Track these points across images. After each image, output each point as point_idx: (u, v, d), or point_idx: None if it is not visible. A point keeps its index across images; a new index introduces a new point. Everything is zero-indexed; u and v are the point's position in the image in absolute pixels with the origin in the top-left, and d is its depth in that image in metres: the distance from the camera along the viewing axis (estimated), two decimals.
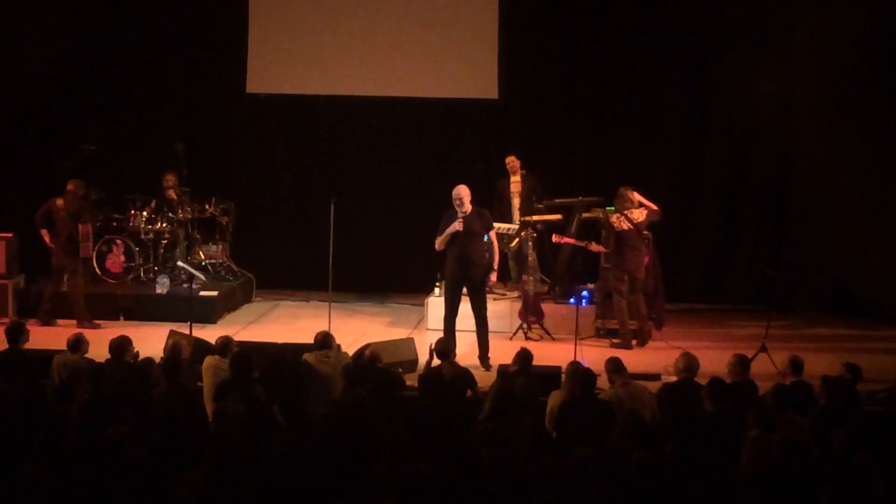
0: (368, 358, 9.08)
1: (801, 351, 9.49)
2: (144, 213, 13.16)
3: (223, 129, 14.39)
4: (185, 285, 12.29)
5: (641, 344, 11.52)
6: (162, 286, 12.69)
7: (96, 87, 14.21)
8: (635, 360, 10.33)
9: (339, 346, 9.31)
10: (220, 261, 13.57)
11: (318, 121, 14.46)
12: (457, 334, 10.48)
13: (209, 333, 10.60)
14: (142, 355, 9.05)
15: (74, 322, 11.81)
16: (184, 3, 14.21)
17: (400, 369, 9.83)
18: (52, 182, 12.34)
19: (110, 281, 13.05)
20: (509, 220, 12.64)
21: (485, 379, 9.37)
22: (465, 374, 8.85)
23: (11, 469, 5.94)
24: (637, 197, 11.57)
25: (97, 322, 11.91)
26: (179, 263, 13.00)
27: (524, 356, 8.76)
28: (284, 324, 12.47)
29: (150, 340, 10.23)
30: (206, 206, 13.50)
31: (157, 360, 8.90)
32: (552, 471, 6.25)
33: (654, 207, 11.58)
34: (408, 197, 14.17)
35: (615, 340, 11.53)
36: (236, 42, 14.17)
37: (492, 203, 12.46)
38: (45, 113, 14.01)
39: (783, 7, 13.36)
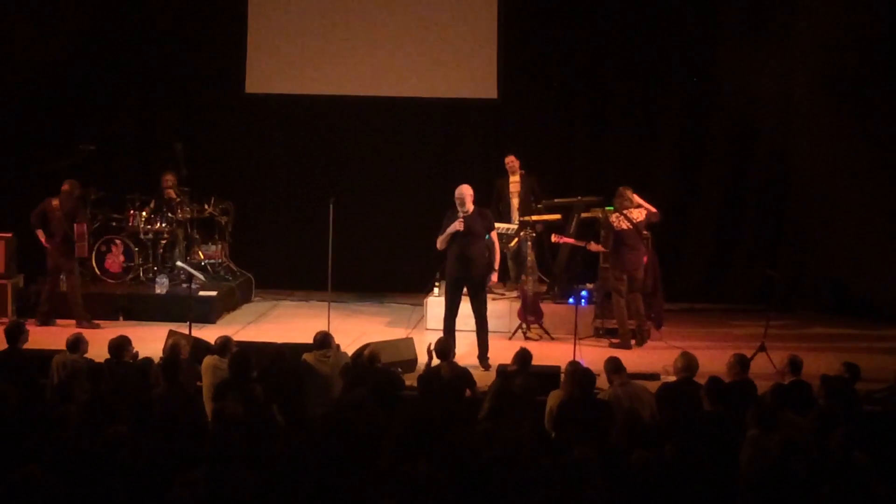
0: (367, 358, 9.07)
1: (800, 350, 9.51)
2: (143, 213, 13.16)
3: (222, 129, 14.39)
4: (184, 285, 12.30)
5: (640, 343, 11.53)
6: (161, 286, 12.69)
7: (96, 87, 14.21)
8: (634, 359, 10.35)
9: (338, 346, 9.31)
10: (220, 261, 13.58)
11: (317, 121, 14.46)
12: (456, 334, 10.49)
13: (208, 333, 10.60)
14: (141, 355, 9.06)
15: (74, 322, 11.81)
16: (183, 3, 14.21)
17: (399, 369, 9.83)
18: (51, 182, 12.34)
19: (109, 281, 13.05)
20: (508, 220, 12.64)
21: (484, 379, 9.38)
22: (464, 374, 8.86)
23: (11, 469, 5.94)
24: (637, 199, 11.58)
25: (96, 322, 11.91)
26: (178, 263, 13.00)
27: (523, 356, 8.76)
28: (283, 324, 12.47)
29: (150, 340, 10.23)
30: (206, 206, 13.50)
31: (157, 360, 8.90)
32: (551, 471, 6.25)
33: (653, 209, 11.59)
34: (407, 197, 14.18)
35: (614, 340, 11.54)
36: (235, 42, 14.18)
37: (490, 203, 12.45)
38: (44, 113, 14.00)
39: (783, 7, 13.37)
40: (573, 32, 14.01)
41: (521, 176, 12.88)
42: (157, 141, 14.09)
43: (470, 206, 10.40)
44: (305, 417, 8.33)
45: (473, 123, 14.33)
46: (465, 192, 10.41)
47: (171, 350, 8.97)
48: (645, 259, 11.60)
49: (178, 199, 13.26)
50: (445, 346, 9.02)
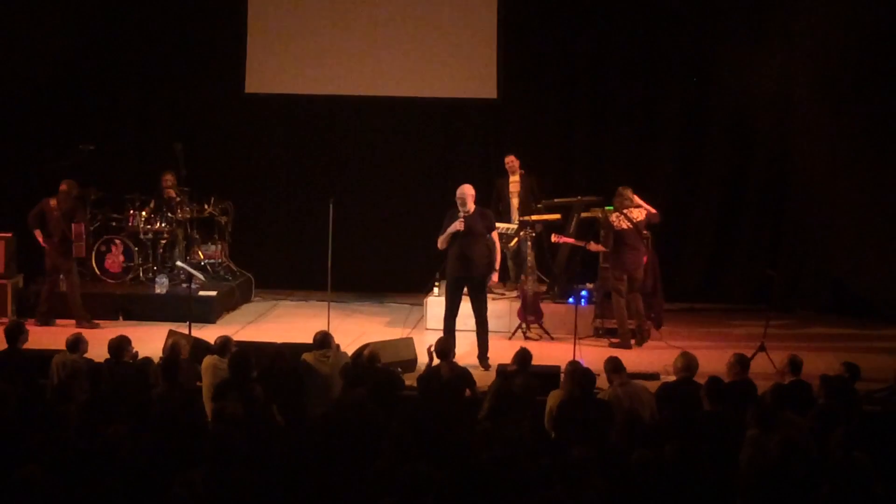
0: (367, 358, 9.07)
1: (799, 350, 9.51)
2: (143, 213, 13.16)
3: (222, 128, 14.39)
4: (183, 285, 12.30)
5: (640, 343, 11.53)
6: (161, 286, 12.69)
7: (95, 87, 14.22)
8: (634, 359, 10.35)
9: (338, 346, 9.31)
10: (219, 260, 13.57)
11: (316, 120, 14.46)
12: (457, 334, 10.49)
13: (208, 333, 10.60)
14: (141, 355, 9.06)
15: (73, 322, 11.81)
16: (183, 3, 14.21)
17: (399, 369, 9.83)
18: (51, 182, 12.33)
19: (109, 281, 13.04)
20: (508, 220, 12.64)
21: (484, 378, 9.38)
22: (463, 374, 8.86)
23: (10, 469, 5.94)
24: (637, 200, 11.58)
25: (96, 322, 11.91)
26: (178, 263, 12.99)
27: (523, 356, 8.76)
28: (283, 323, 12.47)
29: (149, 340, 10.23)
30: (205, 206, 13.50)
31: (156, 360, 8.89)
32: (551, 470, 6.25)
33: (653, 210, 11.59)
34: (407, 197, 14.18)
35: (614, 340, 11.53)
36: (235, 42, 14.17)
37: (490, 202, 12.45)
38: (44, 113, 14.00)
39: (782, 6, 13.36)
40: (573, 32, 14.01)
41: (521, 176, 12.87)
42: (156, 141, 14.09)
43: (471, 206, 10.40)
44: (305, 417, 8.34)
45: (473, 123, 14.32)
46: (467, 191, 10.41)
47: (171, 350, 8.98)
48: (645, 259, 11.60)
49: (178, 199, 13.26)
50: (445, 346, 9.02)
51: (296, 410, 8.38)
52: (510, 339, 11.60)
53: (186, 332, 10.25)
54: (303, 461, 6.48)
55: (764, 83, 13.44)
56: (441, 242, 10.50)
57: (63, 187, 12.04)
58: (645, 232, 11.60)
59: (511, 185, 12.89)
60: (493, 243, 10.73)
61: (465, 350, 10.54)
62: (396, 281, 13.98)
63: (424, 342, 10.71)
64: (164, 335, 10.18)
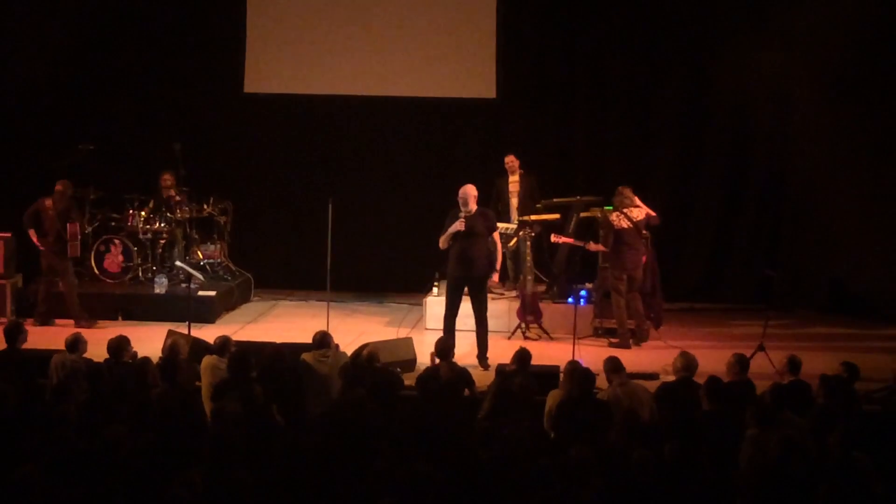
0: (366, 357, 9.07)
1: (798, 350, 9.52)
2: (142, 213, 13.15)
3: (221, 128, 14.38)
4: (183, 285, 12.30)
5: (639, 343, 11.53)
6: (160, 286, 12.69)
7: (94, 86, 14.21)
8: (633, 359, 10.35)
9: (337, 346, 9.31)
10: (219, 260, 13.57)
11: (315, 120, 14.46)
12: (456, 334, 10.48)
13: (207, 333, 10.60)
14: (140, 355, 9.04)
15: (72, 322, 11.81)
16: (182, 3, 14.20)
17: (398, 369, 9.83)
18: (50, 182, 12.32)
19: (108, 281, 13.04)
20: (507, 220, 12.64)
21: (483, 378, 9.38)
22: (462, 374, 8.86)
23: (10, 469, 5.94)
24: (637, 201, 11.58)
25: (95, 321, 11.90)
26: (177, 263, 12.99)
27: (522, 355, 8.76)
28: (282, 323, 12.46)
29: (149, 340, 10.23)
30: (204, 206, 13.50)
31: (156, 360, 8.89)
32: (550, 470, 6.25)
33: (653, 213, 11.60)
34: (406, 196, 14.18)
35: (613, 340, 11.53)
36: (234, 42, 14.18)
37: (490, 202, 12.45)
38: (43, 113, 14.00)
39: (782, 6, 13.36)
40: (572, 32, 14.01)
41: (521, 175, 12.87)
42: (155, 141, 14.06)
43: (473, 206, 10.42)
44: (304, 417, 8.33)
45: (473, 123, 14.32)
46: (469, 192, 10.43)
47: (170, 350, 8.98)
48: (644, 259, 11.60)
49: (178, 199, 13.25)
50: (445, 346, 9.02)
51: (295, 410, 8.38)
52: (509, 338, 11.60)
53: (186, 331, 10.25)
54: (302, 461, 6.48)
55: (764, 83, 13.45)
56: (442, 242, 10.51)
57: (58, 187, 12.04)
58: (644, 232, 11.60)
59: (510, 185, 12.89)
60: (495, 244, 10.73)
61: (465, 350, 10.54)
62: (396, 281, 13.98)
63: (424, 342, 10.74)
64: (163, 335, 10.17)
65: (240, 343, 9.52)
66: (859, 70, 13.04)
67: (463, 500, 6.26)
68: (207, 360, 8.84)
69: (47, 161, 13.05)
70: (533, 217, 12.46)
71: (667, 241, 12.97)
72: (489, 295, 11.41)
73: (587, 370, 8.25)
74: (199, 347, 9.58)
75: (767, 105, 13.68)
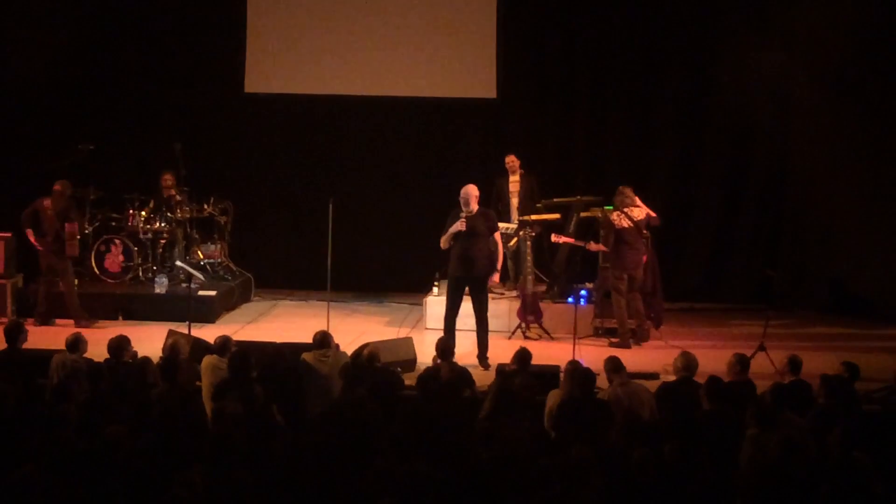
0: (367, 357, 9.07)
1: (799, 350, 9.51)
2: (143, 213, 13.15)
3: (221, 128, 14.39)
4: (183, 285, 12.30)
5: (640, 343, 11.52)
6: (160, 286, 12.69)
7: (95, 86, 14.21)
8: (634, 359, 10.34)
9: (337, 346, 9.31)
10: (219, 260, 13.56)
11: (316, 120, 14.46)
12: (456, 333, 10.48)
13: (208, 333, 10.60)
14: (140, 355, 9.05)
15: (72, 322, 11.81)
16: (183, 3, 14.20)
17: (398, 369, 9.83)
18: (50, 182, 12.33)
19: (109, 280, 13.04)
20: (507, 220, 12.64)
21: (483, 378, 9.38)
22: (463, 374, 8.86)
23: (9, 469, 5.94)
24: (637, 202, 11.58)
25: (95, 320, 11.90)
26: (178, 263, 13.00)
27: (523, 355, 8.76)
28: (283, 323, 12.46)
29: (149, 340, 10.23)
30: (205, 206, 13.49)
31: (156, 360, 8.89)
32: (550, 470, 6.25)
33: (653, 214, 11.60)
34: (406, 196, 14.18)
35: (614, 340, 11.53)
36: (234, 41, 14.17)
37: (490, 202, 12.46)
38: (43, 113, 14.00)
39: (782, 6, 13.36)
40: (572, 32, 14.01)
41: (521, 175, 12.88)
42: (156, 141, 14.07)
43: (474, 207, 10.43)
44: (305, 417, 8.33)
45: (473, 123, 14.32)
46: (471, 192, 10.44)
47: (171, 350, 8.98)
48: (644, 258, 11.60)
49: (178, 199, 13.25)
50: (446, 346, 9.02)
51: (295, 410, 8.38)
52: (510, 338, 11.60)
53: (186, 331, 10.24)
54: (302, 461, 6.47)
55: (764, 83, 13.45)
56: (443, 242, 10.52)
57: (57, 187, 12.05)
58: (644, 232, 11.60)
59: (511, 185, 12.89)
60: (496, 244, 10.73)
61: (465, 350, 10.54)
62: (396, 281, 13.98)
63: (424, 342, 10.74)
64: (163, 335, 10.18)
65: (240, 343, 9.51)
66: (859, 70, 13.05)
67: (463, 500, 6.26)
68: (208, 360, 8.84)
69: (47, 161, 13.05)
70: (533, 217, 12.46)
71: (667, 241, 12.97)
72: (490, 295, 11.42)
73: (588, 370, 8.25)
74: (200, 347, 9.58)
75: (767, 105, 13.68)
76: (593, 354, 10.57)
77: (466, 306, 10.61)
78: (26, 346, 9.25)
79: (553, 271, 12.61)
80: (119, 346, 8.77)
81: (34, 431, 6.83)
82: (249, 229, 14.17)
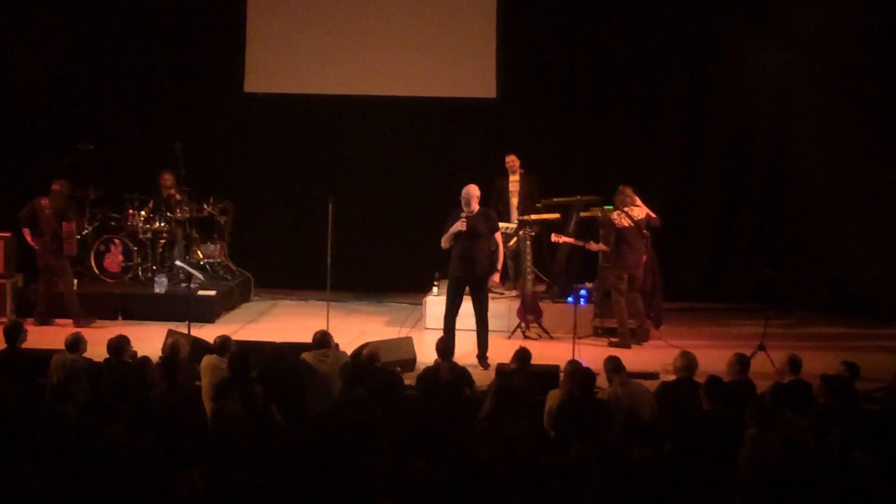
0: (367, 357, 9.07)
1: (799, 350, 9.50)
2: (142, 213, 13.15)
3: (221, 128, 14.39)
4: (183, 285, 12.31)
5: (640, 343, 11.52)
6: (160, 285, 12.69)
7: (94, 86, 14.22)
8: (634, 358, 10.35)
9: (337, 346, 9.30)
10: (219, 260, 13.57)
11: (316, 120, 14.46)
12: (456, 333, 10.48)
13: (207, 333, 10.60)
14: (140, 355, 9.05)
15: (72, 321, 11.81)
16: (182, 3, 14.20)
17: (398, 368, 9.83)
18: (50, 182, 12.33)
19: (108, 280, 13.04)
20: (507, 219, 12.64)
21: (483, 378, 9.38)
22: (462, 374, 8.86)
23: (9, 468, 5.93)
24: (638, 202, 11.58)
25: (94, 319, 11.90)
26: (178, 263, 12.99)
27: (522, 355, 8.76)
28: (283, 323, 12.47)
29: (149, 340, 10.22)
30: (204, 206, 13.49)
31: (155, 359, 8.89)
32: (550, 470, 6.24)
33: (653, 214, 11.60)
34: (406, 196, 14.18)
35: (613, 339, 11.53)
36: (234, 41, 14.17)
37: (490, 202, 12.46)
38: (43, 112, 14.00)
39: (782, 5, 13.36)
40: (573, 32, 14.01)
41: (521, 175, 12.88)
42: (155, 140, 14.08)
43: (475, 207, 10.43)
44: (305, 417, 8.33)
45: (473, 123, 14.32)
46: (472, 192, 10.45)
47: (171, 349, 8.98)
48: (644, 258, 11.60)
49: (178, 199, 13.25)
50: (446, 346, 9.02)
51: (295, 410, 8.38)
52: (509, 338, 11.60)
53: (186, 331, 10.25)
54: (302, 461, 6.47)
55: (764, 83, 13.44)
56: (444, 242, 10.52)
57: (55, 187, 12.06)
58: (644, 232, 11.60)
59: (511, 185, 12.90)
60: (497, 244, 10.73)
61: (465, 349, 10.54)
62: (396, 280, 13.97)
63: (424, 342, 10.75)
64: (163, 335, 10.17)
65: (240, 343, 9.51)
66: (859, 70, 13.05)
67: (463, 500, 6.26)
68: (207, 360, 8.83)
69: (47, 161, 13.05)
70: (533, 217, 12.46)
71: (667, 241, 12.96)
72: (489, 294, 11.42)
73: (587, 370, 8.25)
74: (200, 347, 9.58)
75: (767, 105, 13.69)
76: (593, 354, 10.57)
77: (466, 306, 10.62)
78: (26, 345, 9.26)
79: (553, 271, 12.61)
80: (119, 345, 8.77)
81: (34, 431, 6.82)
82: (249, 229, 14.16)
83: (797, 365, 8.54)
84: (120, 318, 12.31)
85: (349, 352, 9.70)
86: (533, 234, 12.22)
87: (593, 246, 11.71)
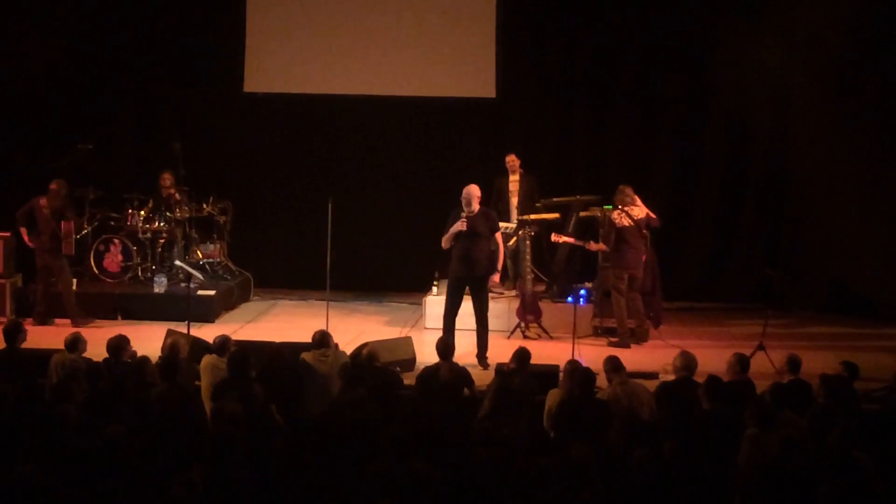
0: (366, 357, 9.07)
1: (798, 349, 9.51)
2: (142, 213, 13.14)
3: (221, 128, 14.39)
4: (182, 284, 12.30)
5: (639, 342, 11.52)
6: (159, 285, 12.69)
7: (94, 86, 14.21)
8: (633, 358, 10.34)
9: (336, 345, 9.30)
10: (218, 260, 13.56)
11: (315, 120, 14.46)
12: (456, 333, 10.48)
13: (207, 332, 10.60)
14: (139, 355, 9.04)
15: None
16: (182, 3, 14.20)
17: (398, 368, 9.83)
18: (49, 181, 12.33)
19: (108, 280, 13.03)
20: (507, 219, 12.64)
21: (483, 378, 9.38)
22: (462, 374, 8.86)
23: (9, 468, 5.94)
24: (638, 202, 11.58)
25: (91, 318, 11.90)
26: (177, 262, 12.99)
27: (522, 355, 8.76)
28: (282, 323, 12.46)
29: (148, 340, 10.22)
30: (204, 206, 13.49)
31: (155, 359, 8.88)
32: (550, 470, 6.25)
33: (653, 215, 11.60)
34: (405, 196, 14.18)
35: (613, 339, 11.53)
36: (233, 41, 14.17)
37: (490, 201, 12.46)
38: (42, 112, 14.00)
39: (781, 4, 13.36)
40: (572, 31, 14.01)
41: (521, 175, 12.88)
42: (155, 140, 14.08)
43: (475, 207, 10.43)
44: (304, 417, 8.33)
45: (473, 123, 14.32)
46: (473, 192, 10.45)
47: (170, 349, 8.97)
48: (644, 258, 11.60)
49: (177, 199, 13.25)
50: (445, 346, 9.02)
51: (295, 410, 8.38)
52: (509, 338, 11.60)
53: (185, 331, 10.24)
54: (302, 460, 6.48)
55: (764, 82, 13.44)
56: (444, 242, 10.53)
57: (53, 186, 12.05)
58: (644, 231, 11.60)
59: (511, 185, 12.90)
60: (497, 244, 10.73)
61: (465, 349, 10.54)
62: (395, 280, 13.98)
63: (423, 341, 10.75)
64: (162, 334, 10.17)
65: (239, 342, 9.51)
66: (859, 70, 13.04)
67: (463, 499, 6.27)
68: (207, 360, 8.83)
69: (47, 161, 13.05)
70: (533, 216, 12.46)
71: (667, 241, 12.97)
72: (489, 294, 11.42)
73: (587, 369, 8.24)
74: (199, 347, 9.57)
75: (767, 105, 13.69)
76: (593, 354, 10.57)
77: (466, 306, 10.62)
78: (25, 345, 9.25)
79: (552, 271, 12.61)
80: (118, 345, 8.78)
81: (34, 431, 6.83)
82: (249, 229, 14.16)
83: (796, 365, 8.54)
84: (119, 317, 12.31)
85: (349, 352, 9.69)
86: (532, 233, 12.22)
87: (593, 246, 11.71)
